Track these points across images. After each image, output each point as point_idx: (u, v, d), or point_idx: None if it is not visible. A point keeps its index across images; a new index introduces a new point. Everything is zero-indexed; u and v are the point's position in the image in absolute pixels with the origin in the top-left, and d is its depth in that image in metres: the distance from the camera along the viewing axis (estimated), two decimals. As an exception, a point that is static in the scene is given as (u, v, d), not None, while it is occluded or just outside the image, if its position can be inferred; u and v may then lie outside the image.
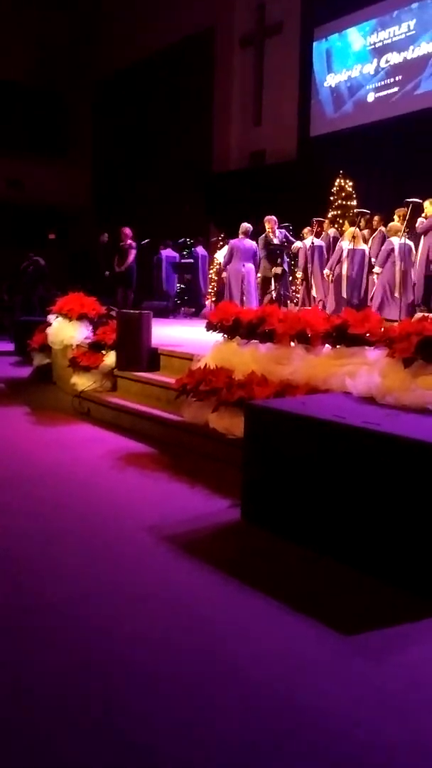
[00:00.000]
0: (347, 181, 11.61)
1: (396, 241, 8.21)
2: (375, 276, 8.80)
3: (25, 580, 2.80)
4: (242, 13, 15.30)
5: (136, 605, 2.59)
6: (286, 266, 9.69)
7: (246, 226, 9.60)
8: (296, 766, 1.75)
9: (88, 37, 19.29)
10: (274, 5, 14.51)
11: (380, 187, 11.59)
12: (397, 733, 1.88)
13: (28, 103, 19.08)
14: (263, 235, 9.61)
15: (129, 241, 11.28)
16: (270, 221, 9.53)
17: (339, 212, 11.36)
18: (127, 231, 11.35)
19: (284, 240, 9.64)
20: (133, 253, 11.26)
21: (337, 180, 11.62)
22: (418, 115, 11.57)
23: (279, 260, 9.33)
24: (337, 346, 4.43)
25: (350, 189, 11.58)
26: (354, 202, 11.40)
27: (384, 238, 9.08)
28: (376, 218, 9.83)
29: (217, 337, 5.20)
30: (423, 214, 8.34)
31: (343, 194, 11.55)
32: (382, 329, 4.27)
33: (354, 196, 11.52)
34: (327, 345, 4.51)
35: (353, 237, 8.86)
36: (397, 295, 8.17)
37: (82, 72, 19.50)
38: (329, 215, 11.28)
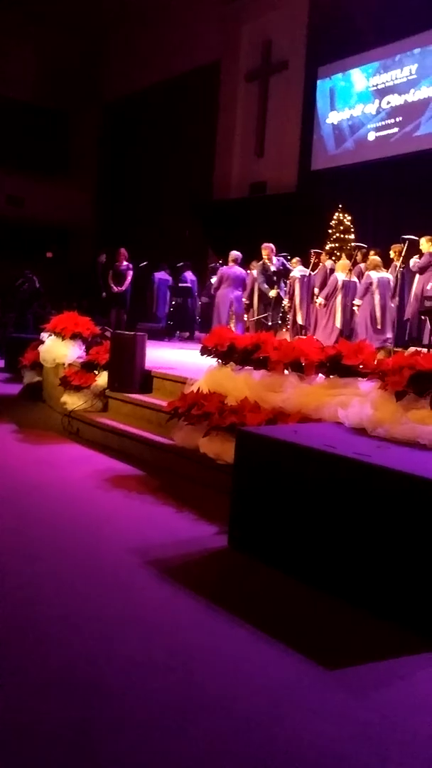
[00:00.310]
0: (346, 215, 11.79)
1: (341, 277, 8.78)
2: (356, 308, 8.97)
3: (5, 596, 2.74)
4: (249, 49, 15.68)
5: (116, 628, 2.54)
6: (282, 293, 9.81)
7: (235, 254, 9.91)
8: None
9: (97, 61, 19.67)
10: (281, 43, 14.87)
11: (377, 222, 11.79)
12: (379, 772, 1.83)
13: (34, 121, 19.34)
14: (261, 261, 9.70)
15: (126, 263, 11.43)
16: (267, 248, 9.60)
17: (336, 245, 11.50)
18: (125, 252, 11.53)
19: (281, 267, 9.73)
20: (130, 275, 11.42)
21: (336, 213, 11.80)
22: (416, 155, 11.83)
23: (276, 286, 9.43)
24: (331, 376, 4.44)
25: (348, 223, 11.76)
26: (352, 236, 11.56)
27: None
28: (372, 252, 9.96)
29: (211, 361, 5.20)
30: (418, 254, 8.48)
31: (341, 228, 11.72)
32: (375, 362, 4.29)
33: (352, 230, 11.69)
34: (320, 374, 4.53)
35: (349, 270, 9.07)
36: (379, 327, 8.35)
37: (89, 94, 19.84)
38: (327, 247, 11.42)
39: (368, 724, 2.05)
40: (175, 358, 7.27)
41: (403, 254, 8.47)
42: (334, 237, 11.70)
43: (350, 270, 9.29)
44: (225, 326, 8.23)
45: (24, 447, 5.53)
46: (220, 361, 5.08)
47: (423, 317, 8.08)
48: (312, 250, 10.73)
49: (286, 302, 10.64)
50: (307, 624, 2.70)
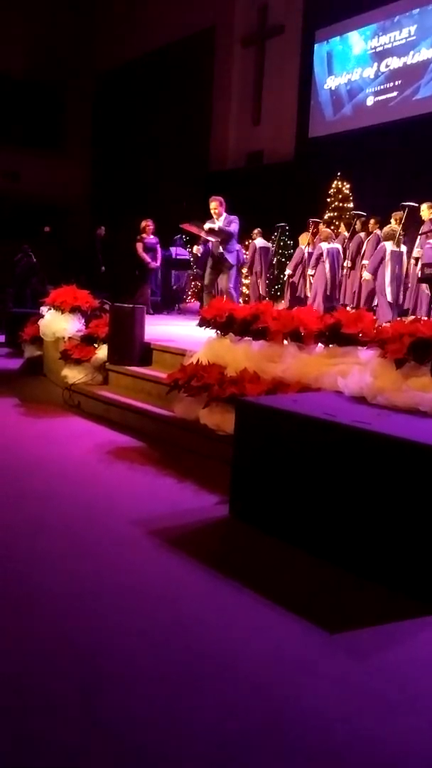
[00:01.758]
0: (344, 183, 11.64)
1: (325, 247, 8.65)
2: (365, 281, 8.88)
3: (9, 571, 2.77)
4: (244, 14, 15.32)
5: (120, 598, 2.57)
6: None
7: None
8: (279, 762, 1.74)
9: (89, 32, 19.24)
10: (277, 7, 14.53)
11: (377, 190, 11.63)
12: (381, 730, 1.87)
13: (26, 96, 18.99)
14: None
15: (153, 236, 10.57)
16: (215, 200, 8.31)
17: (335, 214, 11.38)
18: (152, 224, 10.56)
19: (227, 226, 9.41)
20: (159, 248, 10.67)
21: (335, 182, 11.65)
22: (416, 120, 11.62)
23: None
24: (330, 346, 4.43)
25: (347, 191, 11.62)
26: (351, 204, 11.43)
27: (378, 242, 9.12)
28: (372, 221, 9.85)
29: (210, 333, 5.18)
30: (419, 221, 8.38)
31: (340, 196, 11.58)
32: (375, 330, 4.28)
33: (351, 198, 11.55)
34: (320, 344, 4.51)
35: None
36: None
37: (82, 66, 19.45)
38: (326, 216, 11.30)
39: (371, 685, 2.09)
40: (174, 331, 7.25)
41: (403, 221, 8.38)
42: (333, 206, 11.56)
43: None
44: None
45: (26, 421, 5.54)
46: (219, 332, 5.07)
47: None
48: (310, 220, 10.62)
49: (288, 272, 10.63)
50: (309, 591, 2.73)
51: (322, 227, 10.70)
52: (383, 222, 9.23)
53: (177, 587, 2.70)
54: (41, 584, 2.66)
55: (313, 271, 9.77)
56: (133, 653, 2.21)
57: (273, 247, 12.07)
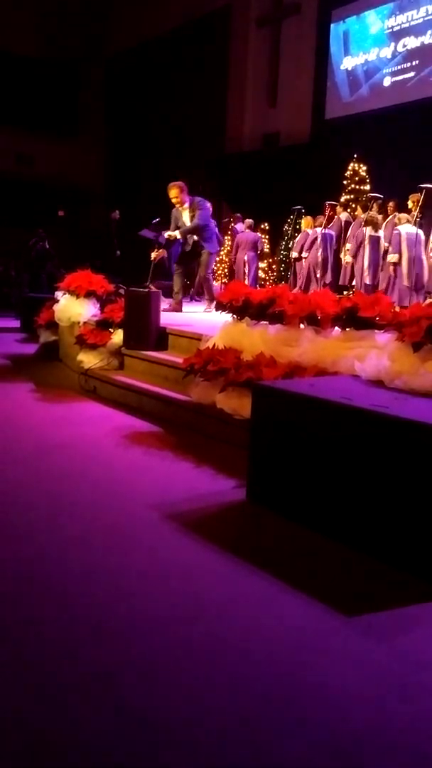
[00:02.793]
0: (361, 165, 11.49)
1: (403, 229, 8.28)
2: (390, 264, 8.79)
3: (29, 552, 2.80)
4: (259, -8, 15.07)
5: (138, 580, 2.60)
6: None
7: (249, 221, 11.31)
8: (297, 744, 1.75)
9: (102, 13, 19.04)
10: (293, -15, 14.27)
11: (394, 172, 11.44)
12: (400, 713, 1.88)
13: (40, 78, 18.84)
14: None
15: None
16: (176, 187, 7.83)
17: (352, 196, 11.25)
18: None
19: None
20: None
21: (351, 164, 11.50)
22: (435, 100, 11.42)
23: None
24: (347, 329, 4.40)
25: (364, 173, 11.46)
26: (367, 187, 11.28)
27: (395, 225, 9.02)
28: (390, 204, 9.73)
29: (226, 317, 5.17)
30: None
31: (357, 178, 11.43)
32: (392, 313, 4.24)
33: (367, 180, 11.41)
34: (337, 328, 4.48)
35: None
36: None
37: (95, 48, 19.28)
38: (342, 199, 11.17)
39: (389, 666, 2.10)
40: (190, 315, 7.24)
41: (420, 203, 8.26)
42: (350, 188, 11.42)
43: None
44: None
45: (43, 405, 5.58)
46: (235, 316, 5.05)
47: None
48: (327, 203, 10.50)
49: (294, 254, 10.65)
50: (326, 574, 2.74)
51: (339, 209, 10.61)
52: (400, 204, 9.11)
53: (195, 570, 2.72)
54: (60, 566, 2.69)
55: (306, 254, 10.15)
56: (152, 636, 2.23)
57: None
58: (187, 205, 7.22)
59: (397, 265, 8.41)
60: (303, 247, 10.62)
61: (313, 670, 2.07)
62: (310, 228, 10.61)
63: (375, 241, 8.94)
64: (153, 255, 6.79)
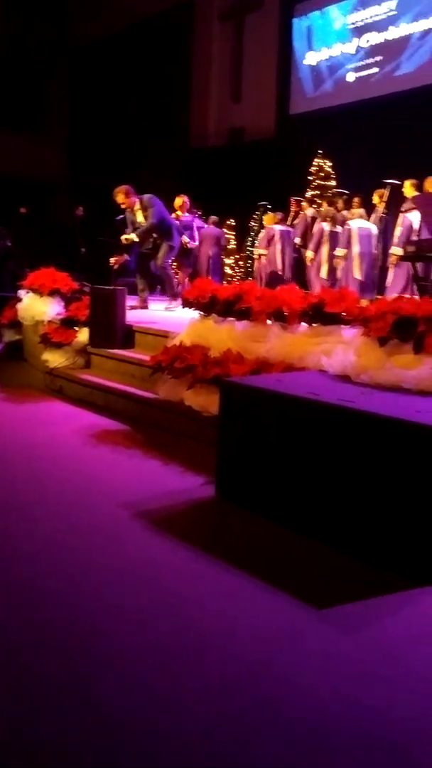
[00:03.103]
0: (326, 160, 11.56)
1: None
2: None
3: (-6, 555, 2.75)
4: (222, -14, 15.04)
5: (107, 579, 2.57)
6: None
7: (214, 218, 10.93)
8: (271, 739, 1.75)
9: (66, 5, 18.76)
10: (255, -21, 14.27)
11: (359, 167, 11.56)
12: (371, 703, 1.89)
13: (2, 71, 18.49)
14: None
15: (188, 213, 9.63)
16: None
17: (318, 192, 11.31)
18: (187, 200, 9.60)
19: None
20: (197, 226, 9.83)
21: (316, 159, 11.56)
22: (398, 96, 11.53)
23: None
24: (314, 325, 4.41)
25: (329, 169, 11.53)
26: (333, 182, 11.36)
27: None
28: (356, 199, 9.80)
29: (193, 314, 5.14)
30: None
31: (322, 174, 11.50)
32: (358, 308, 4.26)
33: (333, 176, 11.48)
34: (303, 323, 4.49)
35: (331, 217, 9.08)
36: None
37: (58, 43, 18.99)
38: (308, 195, 11.23)
39: (359, 659, 2.11)
40: (156, 312, 7.19)
41: (385, 199, 8.35)
42: (315, 184, 11.48)
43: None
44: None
45: (7, 406, 5.48)
46: (202, 313, 5.02)
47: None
48: (292, 198, 10.54)
49: (261, 251, 10.66)
50: (296, 568, 2.74)
51: (304, 205, 10.65)
52: (366, 200, 9.19)
53: (165, 568, 2.69)
54: (29, 567, 2.64)
55: (265, 251, 10.09)
56: (123, 634, 2.20)
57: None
58: (137, 206, 7.13)
59: (344, 259, 8.59)
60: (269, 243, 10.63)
61: (284, 663, 2.07)
62: (271, 224, 10.60)
63: (333, 237, 9.02)
64: (112, 260, 6.69)
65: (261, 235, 10.89)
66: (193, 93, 15.93)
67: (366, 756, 1.69)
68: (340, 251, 8.73)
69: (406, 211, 7.82)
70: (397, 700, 1.92)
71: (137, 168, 16.73)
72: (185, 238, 9.23)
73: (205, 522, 3.28)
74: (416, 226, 7.51)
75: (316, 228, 9.33)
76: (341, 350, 3.93)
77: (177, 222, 7.96)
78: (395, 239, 7.88)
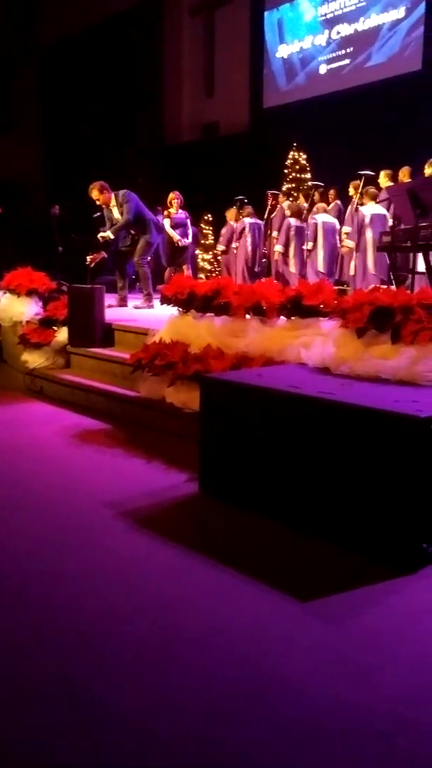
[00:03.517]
0: (301, 153, 11.58)
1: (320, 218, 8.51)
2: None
3: (-22, 560, 2.73)
4: (191, -20, 14.98)
5: (92, 578, 2.56)
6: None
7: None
8: (257, 732, 1.76)
9: (32, 5, 18.54)
10: (224, -27, 14.23)
11: (334, 159, 11.60)
12: (356, 694, 1.91)
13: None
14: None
15: (183, 211, 9.33)
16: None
17: (293, 185, 11.33)
18: (180, 196, 9.29)
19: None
20: (190, 223, 9.54)
21: (291, 152, 11.57)
22: (370, 87, 11.59)
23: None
24: (292, 318, 4.43)
25: (304, 162, 11.55)
26: (308, 175, 11.38)
27: (340, 212, 9.16)
28: (332, 192, 9.84)
29: (172, 311, 5.14)
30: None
31: (297, 167, 11.52)
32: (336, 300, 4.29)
33: (308, 168, 11.50)
34: (282, 317, 4.51)
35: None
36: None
37: (27, 42, 18.77)
38: (284, 188, 11.24)
39: (344, 651, 2.13)
40: (136, 310, 7.16)
41: (360, 190, 8.38)
42: (291, 177, 11.50)
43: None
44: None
45: (-12, 409, 5.44)
46: (180, 309, 5.02)
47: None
48: (268, 192, 10.55)
49: (221, 248, 10.65)
50: (281, 561, 2.75)
51: (281, 198, 10.67)
52: (341, 192, 9.23)
53: (150, 566, 2.70)
54: (12, 568, 2.63)
55: (236, 244, 10.12)
56: (110, 633, 2.20)
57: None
58: (113, 202, 7.04)
59: (311, 251, 8.74)
60: (230, 239, 10.56)
61: (270, 657, 2.08)
62: (233, 220, 10.61)
63: (299, 231, 9.12)
64: (89, 258, 6.63)
65: (222, 231, 10.83)
66: (165, 89, 15.87)
67: (354, 745, 1.71)
68: (308, 245, 8.90)
69: (380, 201, 7.87)
70: (382, 689, 1.94)
71: (112, 165, 16.64)
72: (176, 236, 9.10)
73: (190, 518, 3.29)
74: (368, 220, 7.65)
75: (284, 223, 9.39)
76: (320, 342, 3.95)
77: (156, 218, 7.86)
78: (345, 234, 8.06)
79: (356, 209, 8.07)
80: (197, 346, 4.61)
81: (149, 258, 7.48)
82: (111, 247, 7.09)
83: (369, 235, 7.90)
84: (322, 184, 10.07)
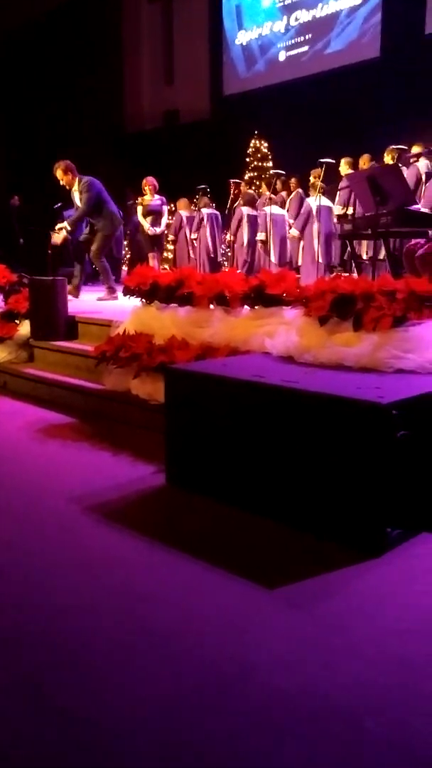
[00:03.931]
0: (262, 141, 11.59)
1: (312, 203, 8.44)
2: (292, 237, 8.97)
3: None
4: (148, -35, 14.78)
5: (58, 573, 2.55)
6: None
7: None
8: (227, 721, 1.78)
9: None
10: (181, -43, 14.08)
11: (295, 147, 11.62)
12: (322, 678, 1.94)
13: None
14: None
15: (158, 196, 9.10)
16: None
17: (255, 174, 11.33)
18: (154, 182, 9.06)
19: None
20: (165, 211, 9.35)
21: (253, 141, 11.57)
22: (329, 74, 11.63)
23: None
24: (256, 307, 4.44)
25: (266, 150, 11.56)
26: (270, 164, 11.40)
27: (302, 200, 9.18)
28: (293, 180, 9.86)
29: (136, 302, 5.10)
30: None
31: (259, 155, 11.53)
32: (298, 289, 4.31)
33: (270, 157, 11.52)
34: (246, 306, 4.52)
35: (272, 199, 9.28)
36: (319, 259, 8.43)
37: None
38: (246, 177, 11.24)
39: (312, 636, 2.16)
40: (99, 302, 7.09)
41: (321, 178, 8.42)
42: (252, 165, 11.50)
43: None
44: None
45: None
46: (144, 300, 4.99)
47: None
48: (231, 181, 10.53)
49: (171, 237, 10.63)
50: (248, 550, 2.77)
51: (243, 188, 10.66)
52: (302, 180, 9.26)
53: (117, 558, 2.69)
54: (-23, 571, 2.60)
55: (196, 235, 10.19)
56: (80, 629, 2.19)
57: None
58: (76, 186, 6.91)
59: (264, 243, 9.01)
60: (178, 229, 10.59)
61: (238, 645, 2.10)
62: (185, 210, 10.63)
63: (252, 220, 9.21)
64: (54, 238, 6.50)
65: (171, 220, 10.78)
66: (125, 76, 15.68)
67: (323, 729, 1.74)
68: (260, 235, 9.11)
69: (341, 189, 7.94)
70: (350, 672, 1.98)
71: (74, 154, 16.38)
72: (145, 225, 8.89)
73: (157, 510, 3.29)
74: (315, 212, 7.83)
75: (236, 212, 9.50)
76: (283, 331, 3.97)
77: (118, 210, 7.73)
78: (295, 221, 8.23)
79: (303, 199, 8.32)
80: (162, 337, 4.59)
81: (105, 251, 7.34)
82: (71, 237, 7.00)
83: (315, 226, 8.13)
84: (283, 173, 10.09)
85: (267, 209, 8.82)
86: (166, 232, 9.79)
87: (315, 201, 8.36)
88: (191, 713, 1.80)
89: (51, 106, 17.10)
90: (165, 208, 9.15)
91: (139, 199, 9.09)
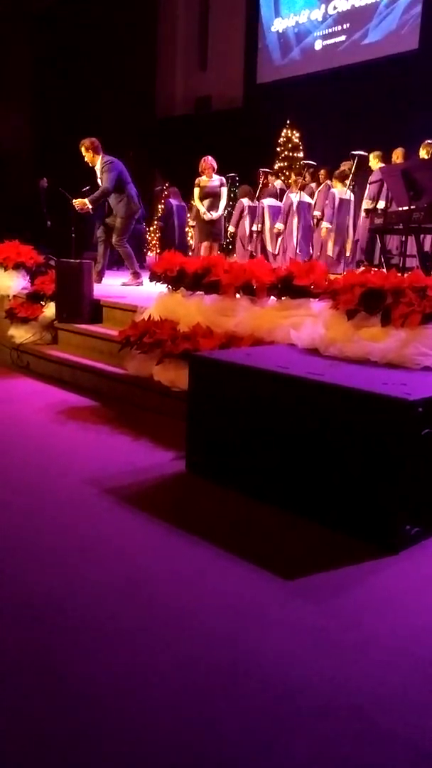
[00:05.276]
0: (294, 131, 11.47)
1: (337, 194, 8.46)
2: (324, 230, 8.87)
3: (-38, 535, 2.72)
4: None
5: (74, 556, 2.56)
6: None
7: (174, 189, 10.97)
8: (237, 709, 1.78)
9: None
10: None
11: (326, 138, 11.49)
12: (338, 674, 1.93)
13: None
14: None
15: (218, 177, 8.25)
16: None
17: (285, 164, 11.23)
18: (212, 163, 8.22)
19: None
20: (225, 193, 8.39)
21: (284, 130, 11.45)
22: (365, 65, 11.44)
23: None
24: (282, 298, 4.40)
25: (297, 140, 11.45)
26: (300, 154, 11.28)
27: (329, 192, 9.09)
28: (322, 171, 9.76)
29: (162, 288, 5.09)
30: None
31: (290, 145, 11.42)
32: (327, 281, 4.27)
33: (300, 147, 11.40)
34: (272, 297, 4.48)
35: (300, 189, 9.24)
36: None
37: (17, 8, 18.27)
38: (276, 166, 11.14)
39: (327, 630, 2.15)
40: (124, 287, 7.10)
41: (353, 171, 8.33)
42: (283, 155, 11.40)
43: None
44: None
45: (-27, 383, 5.39)
46: (170, 287, 4.98)
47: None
48: (260, 170, 10.44)
49: (232, 229, 10.50)
50: (265, 540, 2.77)
51: (271, 178, 10.57)
52: (332, 171, 9.16)
53: (134, 544, 2.70)
54: (-5, 548, 2.62)
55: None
56: (93, 611, 2.20)
57: None
58: (99, 165, 6.88)
59: (261, 234, 9.24)
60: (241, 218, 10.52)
61: (253, 636, 2.09)
62: (246, 198, 10.54)
63: (252, 211, 9.22)
64: (77, 204, 6.46)
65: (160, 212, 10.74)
66: (158, 61, 15.59)
67: (335, 723, 1.74)
68: (279, 225, 9.21)
69: (371, 183, 7.84)
70: (363, 667, 1.96)
71: (103, 137, 16.35)
72: (201, 208, 8.04)
73: (176, 497, 3.29)
74: (295, 207, 7.89)
75: (237, 203, 9.51)
76: (310, 323, 3.93)
77: (136, 191, 7.41)
78: (324, 213, 8.18)
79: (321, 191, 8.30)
80: (186, 324, 4.57)
81: (126, 236, 7.21)
82: (94, 215, 6.96)
83: (295, 220, 8.17)
84: (314, 163, 9.98)
85: (294, 197, 8.79)
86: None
87: (339, 194, 8.35)
88: (200, 700, 1.80)
89: (83, 89, 17.07)
90: (224, 190, 8.26)
91: (196, 180, 8.28)
